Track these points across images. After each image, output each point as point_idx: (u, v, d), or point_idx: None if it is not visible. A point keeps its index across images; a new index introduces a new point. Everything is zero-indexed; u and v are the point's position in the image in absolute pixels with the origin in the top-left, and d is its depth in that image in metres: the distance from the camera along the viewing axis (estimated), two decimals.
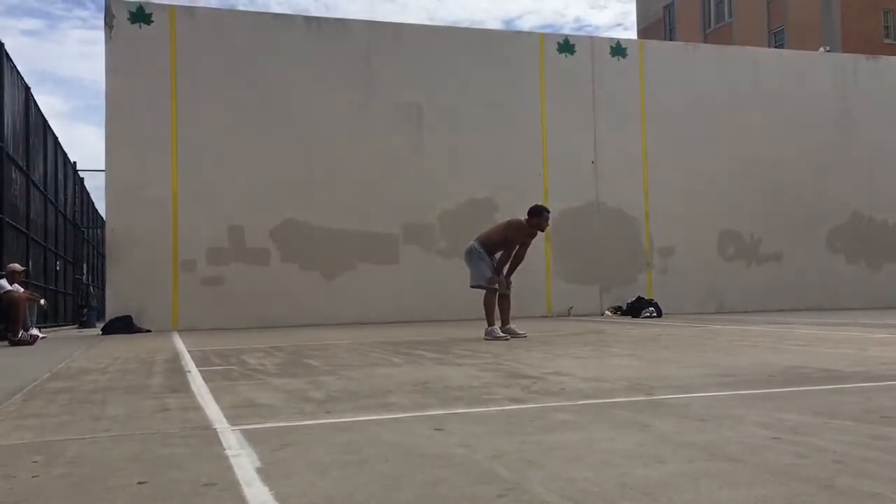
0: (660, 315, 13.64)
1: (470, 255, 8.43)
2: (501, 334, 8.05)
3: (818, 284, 16.21)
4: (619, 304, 14.62)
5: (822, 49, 22.49)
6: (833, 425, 2.82)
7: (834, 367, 4.76)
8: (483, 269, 8.28)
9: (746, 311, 15.08)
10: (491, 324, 8.17)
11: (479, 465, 2.30)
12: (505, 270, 8.38)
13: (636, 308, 13.92)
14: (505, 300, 8.41)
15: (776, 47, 34.19)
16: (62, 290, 20.87)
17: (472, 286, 8.47)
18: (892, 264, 16.84)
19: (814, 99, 16.57)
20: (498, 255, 8.40)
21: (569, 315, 14.52)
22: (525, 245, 8.45)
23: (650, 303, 13.99)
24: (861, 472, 2.12)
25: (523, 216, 8.41)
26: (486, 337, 8.05)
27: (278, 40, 13.78)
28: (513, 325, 8.44)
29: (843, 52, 28.70)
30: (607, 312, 14.63)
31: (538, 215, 8.34)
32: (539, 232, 8.47)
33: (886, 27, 36.31)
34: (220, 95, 13.38)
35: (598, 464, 2.29)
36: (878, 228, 16.86)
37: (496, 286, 8.27)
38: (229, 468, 2.35)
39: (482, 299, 8.37)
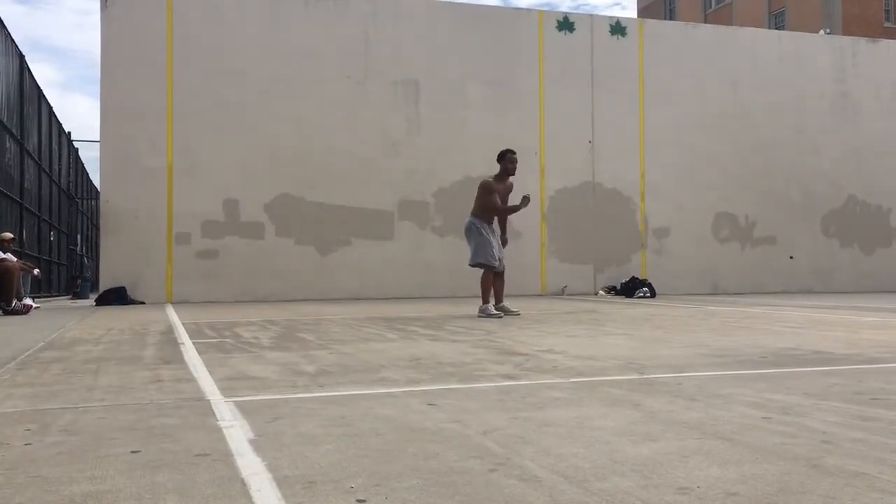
0: (653, 295, 13.68)
1: (469, 231, 8.40)
2: (495, 312, 8.07)
3: (811, 268, 16.27)
4: (613, 284, 14.66)
5: (822, 31, 22.41)
6: (823, 406, 2.84)
7: (825, 349, 4.79)
8: (483, 247, 8.25)
9: (740, 293, 15.13)
10: (486, 301, 8.19)
11: (470, 440, 2.32)
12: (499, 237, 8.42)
13: (630, 288, 13.96)
14: (499, 278, 8.41)
15: (777, 29, 34.05)
16: (56, 260, 20.82)
17: (472, 265, 8.44)
18: (885, 249, 16.89)
19: (812, 81, 16.53)
20: (495, 224, 8.42)
21: (563, 294, 14.55)
22: (505, 197, 8.45)
23: (644, 283, 14.03)
24: (849, 453, 2.13)
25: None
26: (481, 314, 8.06)
27: (277, 12, 13.66)
28: (506, 303, 8.46)
29: (844, 34, 28.59)
30: (601, 292, 14.67)
31: (502, 158, 8.43)
32: (510, 176, 8.44)
33: (887, 10, 36.18)
34: (217, 67, 13.27)
35: (590, 441, 2.30)
36: (872, 213, 16.89)
37: (496, 265, 8.28)
38: (222, 439, 2.36)
39: (479, 277, 8.37)
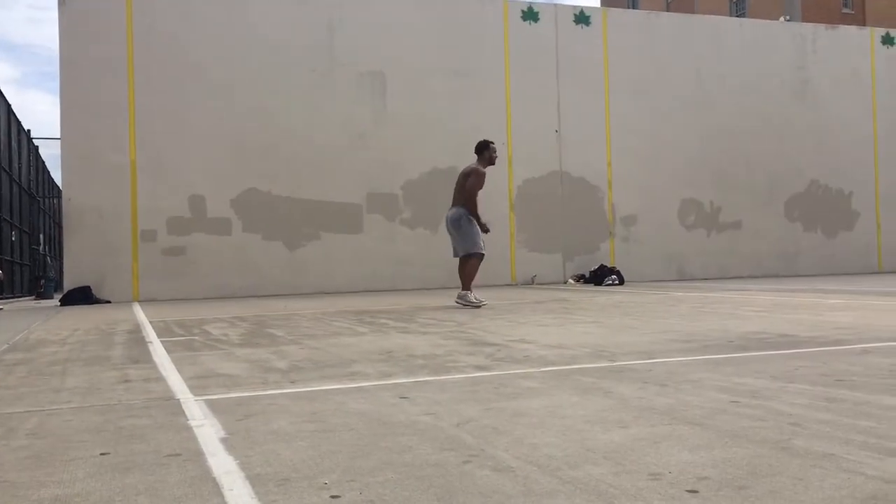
0: (622, 283, 13.79)
1: (459, 222, 8.26)
2: (475, 300, 8.06)
3: (776, 252, 16.51)
4: (582, 273, 14.74)
5: (782, 18, 22.67)
6: (790, 389, 2.89)
7: (791, 332, 4.86)
8: (474, 236, 8.19)
9: (706, 279, 15.31)
10: (466, 288, 8.15)
11: (444, 433, 2.32)
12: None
13: (599, 276, 14.06)
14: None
15: (738, 16, 34.37)
16: (18, 260, 20.45)
17: (461, 255, 8.30)
18: (847, 232, 17.19)
19: (774, 68, 16.73)
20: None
21: (532, 283, 14.61)
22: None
23: (612, 271, 14.13)
24: (817, 434, 2.17)
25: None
26: (459, 301, 8.05)
27: (239, 4, 13.49)
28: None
29: (803, 21, 28.95)
30: (570, 280, 14.75)
31: (486, 149, 8.38)
32: (491, 165, 8.44)
33: None
34: (179, 61, 13.08)
35: (562, 429, 2.32)
36: (834, 197, 17.16)
37: (484, 252, 8.29)
38: (193, 438, 2.34)
39: (453, 268, 8.32)
